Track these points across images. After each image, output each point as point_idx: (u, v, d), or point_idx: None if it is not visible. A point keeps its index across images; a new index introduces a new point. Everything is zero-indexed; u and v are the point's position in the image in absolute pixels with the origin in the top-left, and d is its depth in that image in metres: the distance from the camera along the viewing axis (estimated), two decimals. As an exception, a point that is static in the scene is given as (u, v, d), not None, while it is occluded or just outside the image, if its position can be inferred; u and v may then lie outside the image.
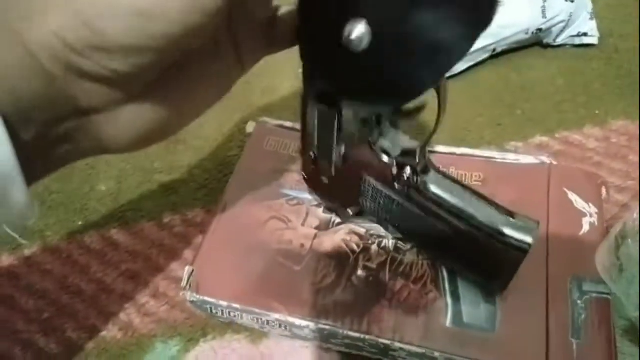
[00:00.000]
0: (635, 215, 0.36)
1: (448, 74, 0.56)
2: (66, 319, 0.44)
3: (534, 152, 0.44)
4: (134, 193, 0.52)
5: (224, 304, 0.38)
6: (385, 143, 0.33)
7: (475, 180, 0.42)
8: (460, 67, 0.57)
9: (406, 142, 0.33)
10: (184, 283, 0.38)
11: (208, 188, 0.51)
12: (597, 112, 0.53)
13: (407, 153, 0.32)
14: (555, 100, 0.55)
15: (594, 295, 0.35)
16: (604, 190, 0.42)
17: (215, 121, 0.57)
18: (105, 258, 0.47)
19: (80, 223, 0.50)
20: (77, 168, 0.55)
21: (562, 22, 0.58)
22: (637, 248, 0.35)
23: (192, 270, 0.39)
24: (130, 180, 0.53)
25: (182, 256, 0.47)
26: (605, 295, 0.35)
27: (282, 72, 0.62)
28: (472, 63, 0.58)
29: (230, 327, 0.41)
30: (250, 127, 0.49)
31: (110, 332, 0.43)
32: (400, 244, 0.39)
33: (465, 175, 0.43)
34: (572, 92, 0.55)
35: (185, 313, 0.43)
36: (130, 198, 0.51)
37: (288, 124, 0.48)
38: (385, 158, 0.33)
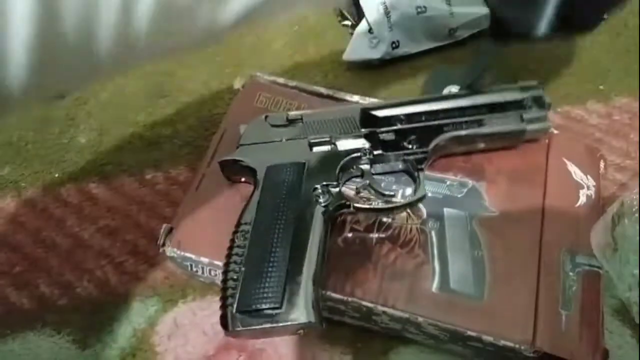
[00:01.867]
0: (634, 195, 0.35)
1: (451, 40, 0.55)
2: (39, 273, 0.42)
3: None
4: (114, 146, 0.50)
5: (205, 260, 0.36)
6: None
7: (472, 147, 0.40)
8: (464, 33, 0.55)
9: None
10: (160, 241, 0.37)
11: (192, 145, 0.49)
12: (601, 87, 0.51)
13: None
14: (559, 72, 0.52)
15: (586, 268, 0.34)
16: (602, 164, 0.41)
17: (201, 75, 0.55)
18: (82, 212, 0.45)
19: (57, 175, 0.48)
20: (55, 118, 0.52)
21: (571, -8, 0.55)
22: (633, 228, 0.33)
23: (171, 229, 0.37)
24: (112, 132, 0.51)
25: (163, 214, 0.45)
26: (596, 269, 0.34)
27: (275, 26, 0.59)
28: (476, 30, 0.55)
29: (211, 288, 0.40)
30: (238, 82, 0.46)
31: (86, 289, 0.41)
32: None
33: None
34: (577, 66, 0.53)
35: (165, 273, 0.42)
36: (111, 151, 0.49)
37: (281, 80, 0.46)
38: None
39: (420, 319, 0.32)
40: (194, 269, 0.37)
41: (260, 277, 0.31)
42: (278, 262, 0.31)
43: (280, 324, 0.29)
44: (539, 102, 0.38)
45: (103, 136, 0.50)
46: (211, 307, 0.39)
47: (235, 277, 0.31)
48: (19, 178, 0.48)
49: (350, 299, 0.33)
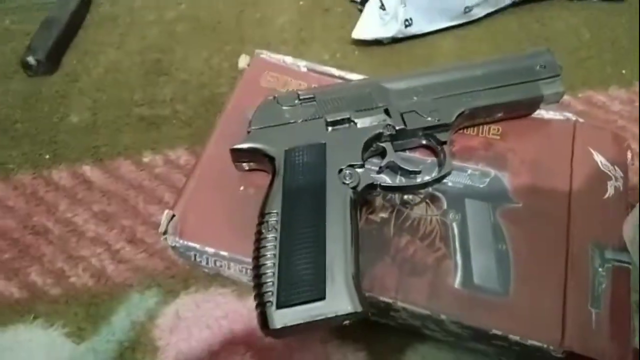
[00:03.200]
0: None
1: (467, 19, 0.52)
2: (30, 261, 0.40)
3: (556, 109, 0.40)
4: (110, 127, 0.46)
5: (210, 250, 0.34)
6: None
7: (493, 134, 0.38)
8: (480, 12, 0.52)
9: None
10: (162, 228, 0.34)
11: (193, 126, 0.46)
12: (623, 71, 0.49)
13: None
14: (580, 55, 0.50)
15: (616, 263, 0.32)
16: (629, 154, 0.39)
17: (202, 52, 0.51)
18: (75, 197, 0.43)
19: (47, 157, 0.45)
20: (45, 95, 0.49)
21: (593, -29, 0.52)
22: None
23: (173, 215, 0.35)
24: (107, 112, 0.47)
25: (163, 200, 0.42)
26: (626, 265, 0.33)
27: (280, 1, 0.56)
28: (492, 9, 0.52)
29: (216, 279, 0.38)
30: (243, 61, 0.43)
31: (81, 279, 0.39)
32: (408, 197, 0.35)
33: (482, 128, 0.39)
34: (599, 48, 0.51)
35: (166, 262, 0.39)
36: (106, 132, 0.46)
37: (289, 59, 0.43)
38: None
39: (442, 317, 0.30)
40: (198, 259, 0.35)
41: (298, 269, 0.28)
42: (314, 251, 0.29)
43: (326, 316, 0.27)
44: (552, 67, 0.38)
45: (97, 115, 0.47)
46: (215, 299, 0.37)
47: (270, 271, 0.28)
48: (6, 160, 0.44)
49: (367, 294, 0.31)
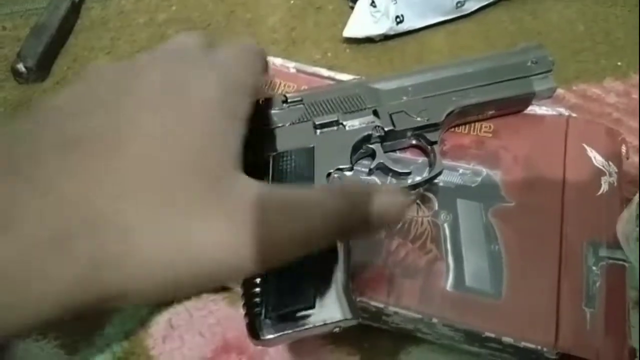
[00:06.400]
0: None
1: (459, 14, 0.52)
2: (22, 271, 0.39)
3: (549, 104, 0.39)
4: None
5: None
6: None
7: (485, 132, 0.38)
8: (472, 6, 0.51)
9: None
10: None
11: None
12: (619, 63, 0.48)
13: None
14: (574, 48, 0.49)
15: (610, 261, 0.32)
16: (623, 148, 0.38)
17: (193, 56, 0.51)
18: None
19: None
20: (33, 101, 0.48)
21: (586, -39, 0.51)
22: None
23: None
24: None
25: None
26: (620, 262, 0.32)
27: (271, 1, 0.55)
28: (484, 3, 0.52)
29: (207, 285, 0.38)
30: (233, 63, 0.43)
31: (73, 287, 0.39)
32: (399, 199, 0.35)
33: (474, 126, 0.38)
34: (593, 41, 0.50)
35: (158, 268, 0.39)
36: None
37: (279, 60, 0.42)
38: None
39: (434, 320, 0.30)
40: (189, 267, 0.35)
41: (287, 277, 0.28)
42: (303, 258, 0.28)
43: (316, 325, 0.27)
44: (544, 62, 0.37)
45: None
46: (207, 306, 0.37)
47: (258, 280, 0.28)
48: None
49: (358, 299, 0.31)
